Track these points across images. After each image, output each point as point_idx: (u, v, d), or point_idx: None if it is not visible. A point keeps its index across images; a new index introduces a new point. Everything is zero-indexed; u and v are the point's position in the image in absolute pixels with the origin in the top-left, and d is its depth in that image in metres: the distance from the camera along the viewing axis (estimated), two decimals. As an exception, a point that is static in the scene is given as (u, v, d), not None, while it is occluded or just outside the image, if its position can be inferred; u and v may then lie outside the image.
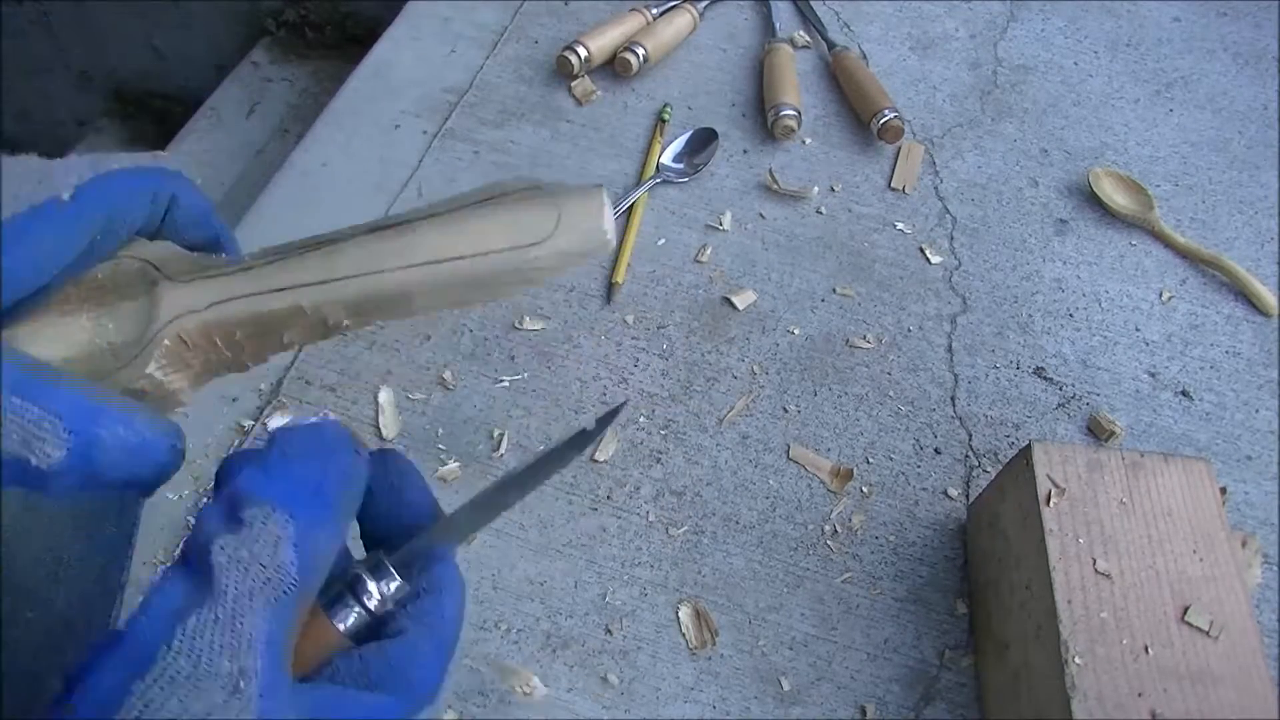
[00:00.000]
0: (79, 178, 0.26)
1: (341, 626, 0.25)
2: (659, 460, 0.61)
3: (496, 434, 0.62)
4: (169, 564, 0.22)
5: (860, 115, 0.79)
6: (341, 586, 0.25)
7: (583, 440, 0.28)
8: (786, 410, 0.64)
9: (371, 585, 0.25)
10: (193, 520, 0.58)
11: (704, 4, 0.86)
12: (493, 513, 0.28)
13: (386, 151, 0.77)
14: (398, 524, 0.27)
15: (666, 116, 0.79)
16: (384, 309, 0.28)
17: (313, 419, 0.25)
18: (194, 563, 0.21)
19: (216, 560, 0.21)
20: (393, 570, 0.26)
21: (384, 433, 0.61)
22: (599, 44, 0.80)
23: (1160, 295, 0.70)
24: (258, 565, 0.21)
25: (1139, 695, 0.43)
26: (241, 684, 0.20)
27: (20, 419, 0.21)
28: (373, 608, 0.25)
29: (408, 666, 0.24)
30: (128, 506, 0.48)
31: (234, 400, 0.63)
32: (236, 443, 0.61)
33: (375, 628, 0.25)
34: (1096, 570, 0.46)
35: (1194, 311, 0.70)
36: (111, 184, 0.26)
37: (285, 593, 0.21)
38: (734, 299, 0.68)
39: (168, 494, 0.58)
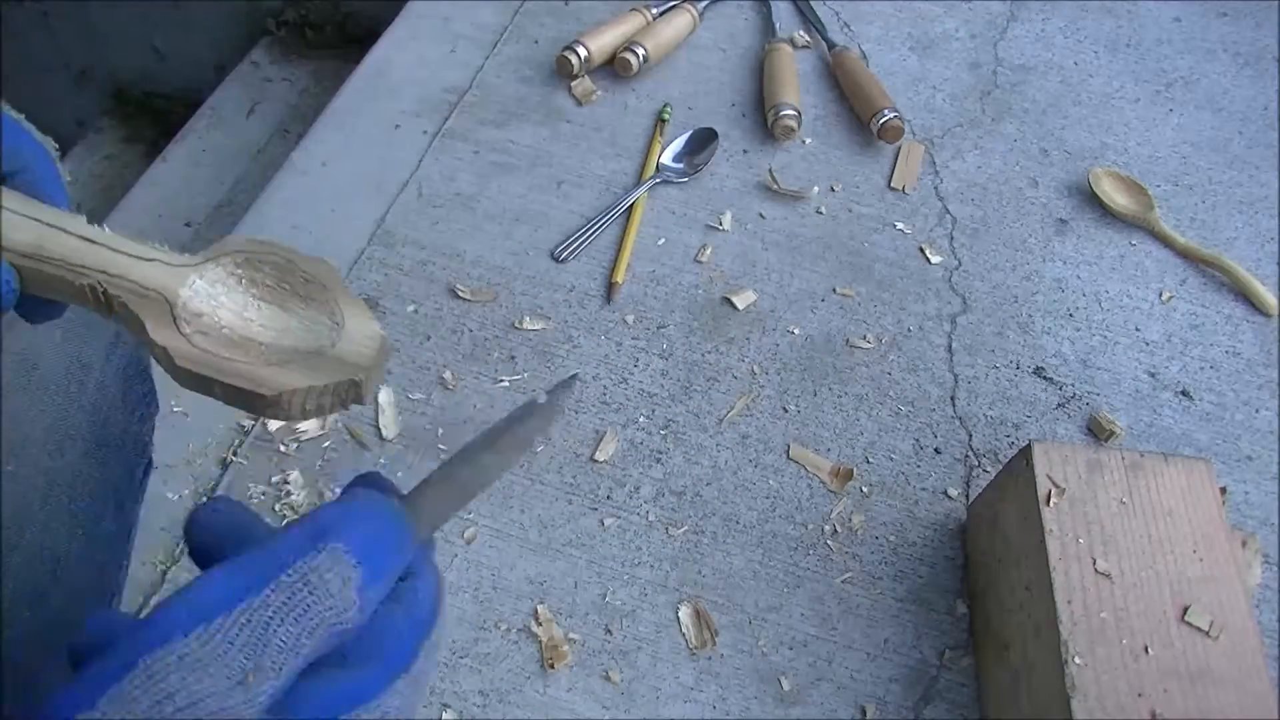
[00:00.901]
0: None
1: None
2: (659, 460, 0.61)
3: (496, 434, 0.62)
4: (230, 560, 0.23)
5: (860, 115, 0.79)
6: None
7: (543, 413, 0.29)
8: (786, 410, 0.64)
9: None
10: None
11: (704, 4, 0.86)
12: (460, 502, 0.28)
13: (386, 151, 0.77)
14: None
15: (666, 116, 0.79)
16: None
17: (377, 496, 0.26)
18: (254, 566, 0.22)
19: (282, 579, 0.22)
20: None
21: (384, 433, 0.61)
22: (599, 44, 0.80)
23: (1160, 295, 0.70)
24: (317, 591, 0.22)
25: (1139, 695, 0.43)
26: (251, 679, 0.21)
27: None
28: None
29: (380, 641, 0.25)
30: (125, 504, 0.48)
31: (234, 400, 0.63)
32: (236, 442, 0.61)
33: None
34: (1096, 570, 0.46)
35: (1194, 311, 0.70)
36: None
37: (333, 626, 0.22)
38: (734, 299, 0.68)
39: (168, 494, 0.58)
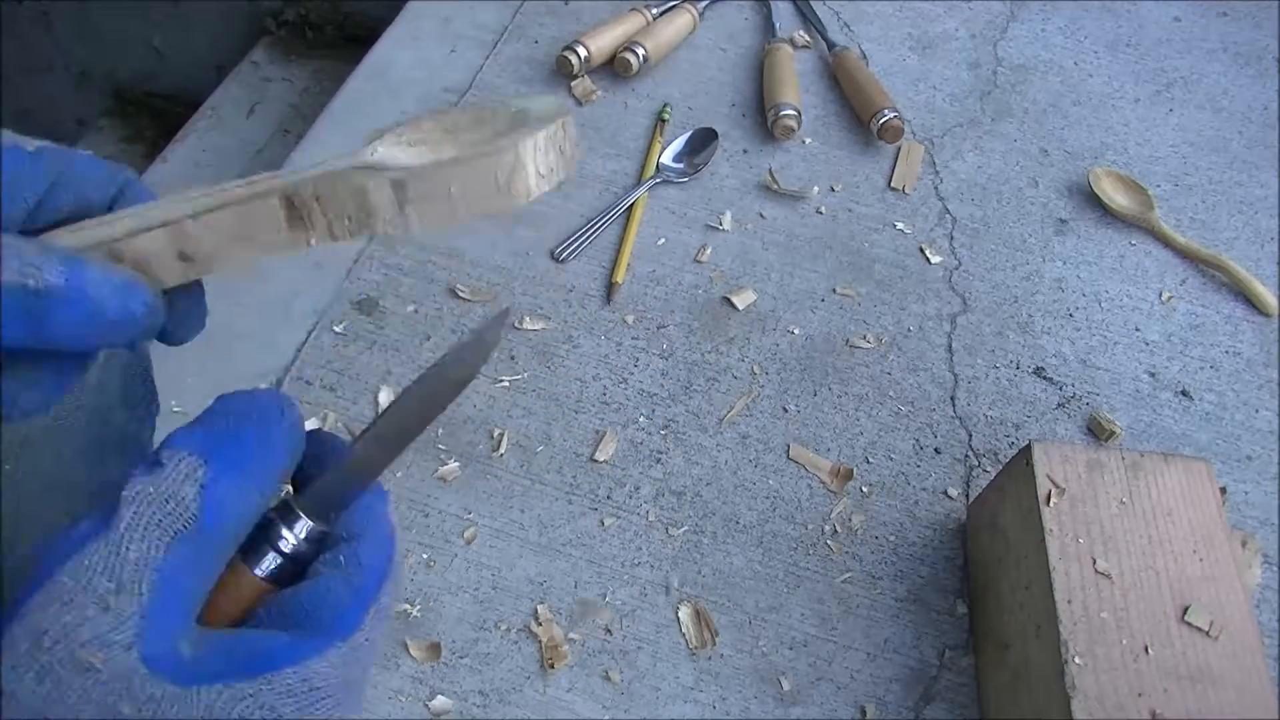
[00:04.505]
0: (44, 146, 0.27)
1: (257, 571, 0.25)
2: (659, 460, 0.61)
3: (496, 434, 0.62)
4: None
5: (860, 115, 0.79)
6: (257, 534, 0.25)
7: (475, 348, 0.28)
8: (786, 410, 0.64)
9: (284, 529, 0.25)
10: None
11: (704, 4, 0.86)
12: (401, 444, 0.28)
13: (386, 151, 0.77)
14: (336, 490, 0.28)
15: (666, 116, 0.79)
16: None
17: (257, 389, 0.26)
18: (110, 502, 0.22)
19: (124, 495, 0.22)
20: (299, 511, 0.26)
21: (384, 433, 0.61)
22: (599, 44, 0.80)
23: (1160, 295, 0.70)
24: (160, 500, 0.22)
25: (1139, 695, 0.43)
26: (112, 602, 0.21)
27: (20, 250, 0.23)
28: (286, 550, 0.25)
29: (319, 608, 0.24)
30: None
31: (234, 400, 0.63)
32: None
33: (296, 573, 0.26)
34: (1096, 570, 0.46)
35: (1194, 311, 0.70)
36: (73, 157, 0.28)
37: (184, 529, 0.22)
38: (734, 299, 0.68)
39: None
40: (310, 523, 0.26)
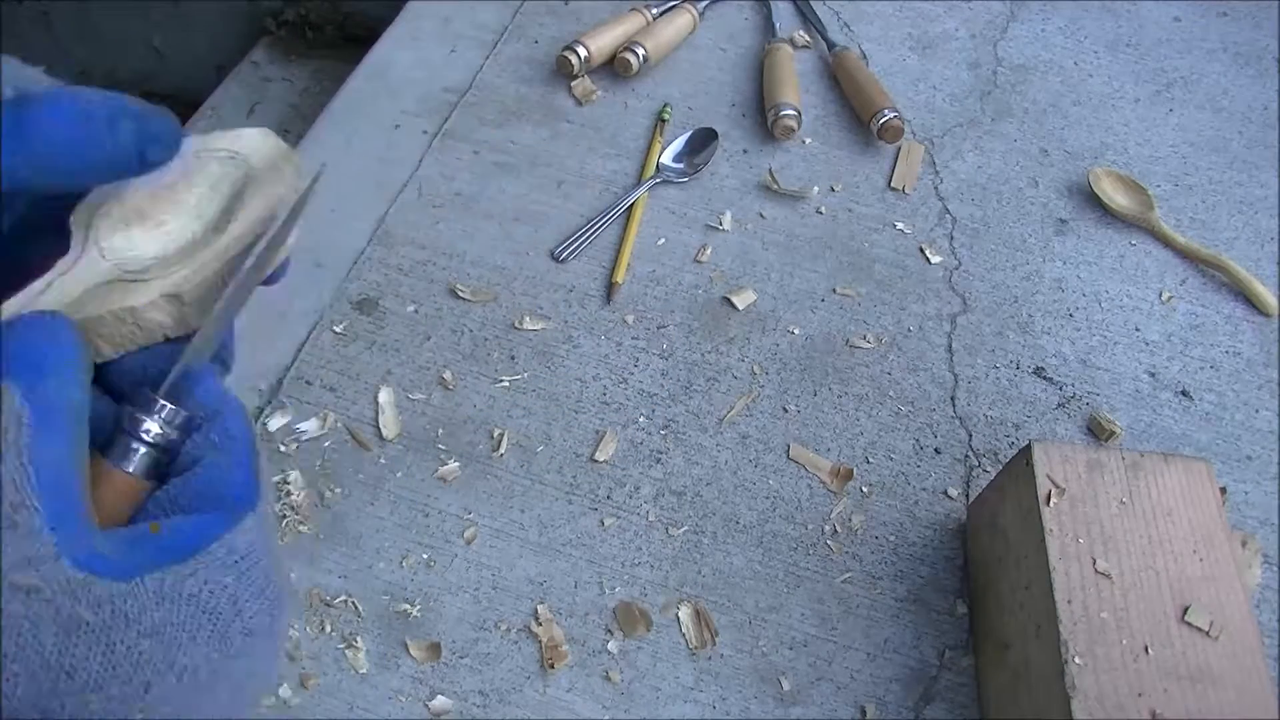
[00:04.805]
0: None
1: (129, 468, 0.25)
2: (659, 460, 0.61)
3: (496, 434, 0.62)
4: None
5: (860, 115, 0.79)
6: (115, 432, 0.25)
7: (289, 224, 0.29)
8: (786, 410, 0.64)
9: (145, 420, 0.25)
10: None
11: (704, 4, 0.86)
12: (229, 316, 0.28)
13: (386, 151, 0.77)
14: (141, 370, 0.28)
15: (666, 116, 0.79)
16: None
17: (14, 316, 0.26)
18: None
19: None
20: (159, 399, 0.26)
21: (384, 432, 0.61)
22: (599, 44, 0.80)
23: (1160, 295, 0.70)
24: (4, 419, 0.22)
25: (1139, 695, 0.43)
26: (18, 518, 0.21)
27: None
28: (152, 440, 0.25)
29: (217, 488, 0.25)
30: None
31: (234, 400, 0.63)
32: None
33: (167, 464, 0.26)
34: (1096, 570, 0.46)
35: (1194, 311, 0.70)
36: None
37: (30, 436, 0.22)
38: (734, 299, 0.68)
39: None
40: (171, 406, 0.26)
